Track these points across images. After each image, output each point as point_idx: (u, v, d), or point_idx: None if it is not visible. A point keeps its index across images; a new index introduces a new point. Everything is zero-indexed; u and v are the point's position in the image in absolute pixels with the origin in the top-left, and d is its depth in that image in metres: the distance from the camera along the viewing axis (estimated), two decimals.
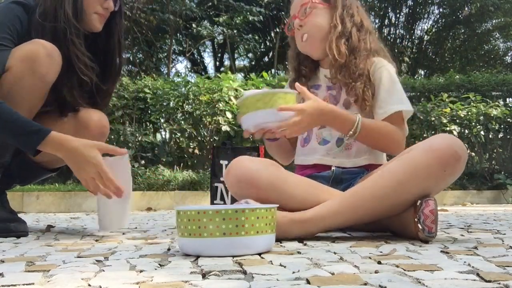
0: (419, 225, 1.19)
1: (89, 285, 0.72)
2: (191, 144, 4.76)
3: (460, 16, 9.56)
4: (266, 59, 10.76)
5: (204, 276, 0.78)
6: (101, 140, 1.64)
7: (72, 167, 1.40)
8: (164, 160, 4.70)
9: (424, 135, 4.95)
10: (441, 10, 9.77)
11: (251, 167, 1.35)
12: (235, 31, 7.74)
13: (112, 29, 1.67)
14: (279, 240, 1.23)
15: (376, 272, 0.78)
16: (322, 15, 1.60)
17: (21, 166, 1.69)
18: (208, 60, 17.55)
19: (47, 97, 1.50)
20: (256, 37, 9.61)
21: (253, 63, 11.65)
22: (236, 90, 4.53)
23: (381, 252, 1.02)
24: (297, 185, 1.34)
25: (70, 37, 1.49)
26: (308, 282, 0.71)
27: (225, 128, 4.41)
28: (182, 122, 4.74)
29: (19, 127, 1.35)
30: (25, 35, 1.46)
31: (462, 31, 9.88)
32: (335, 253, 1.01)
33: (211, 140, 4.59)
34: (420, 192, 1.22)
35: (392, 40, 9.87)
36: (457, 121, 4.84)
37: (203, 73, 9.46)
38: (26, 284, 0.73)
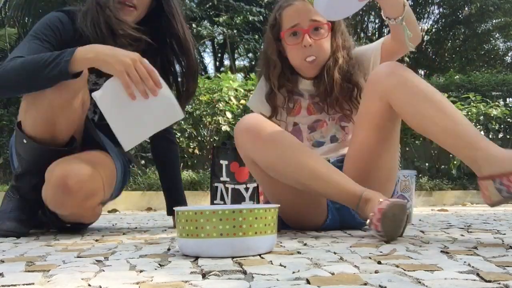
0: (370, 220, 1.23)
1: (89, 285, 0.72)
2: (191, 144, 4.76)
3: (460, 16, 9.56)
4: None
5: (204, 276, 0.78)
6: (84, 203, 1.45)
7: (108, 61, 1.34)
8: None
9: None
10: (441, 10, 9.77)
11: (260, 118, 1.41)
12: (235, 31, 7.74)
13: (169, 31, 1.65)
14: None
15: (376, 272, 0.78)
16: (327, 40, 1.63)
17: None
18: (208, 60, 17.53)
19: None
20: (256, 37, 9.61)
21: (253, 63, 11.63)
22: (236, 90, 4.53)
23: (381, 252, 1.02)
24: (297, 149, 1.36)
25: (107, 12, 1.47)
26: (308, 282, 0.71)
27: (225, 128, 4.41)
28: (182, 122, 4.75)
29: (45, 59, 1.34)
30: (71, 32, 1.50)
31: (462, 31, 9.88)
32: (335, 253, 1.01)
33: (211, 140, 4.59)
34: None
35: None
36: None
37: (203, 73, 9.46)
38: (26, 284, 0.73)
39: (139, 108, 1.37)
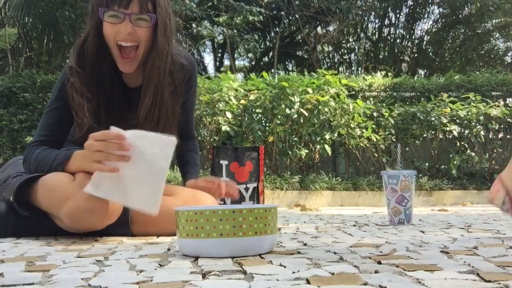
0: None
1: (89, 285, 0.72)
2: None
3: (460, 16, 9.55)
4: (266, 59, 10.75)
5: (204, 276, 0.78)
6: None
7: (86, 167, 1.37)
8: None
9: (424, 135, 4.95)
10: (441, 10, 9.76)
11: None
12: (235, 31, 7.73)
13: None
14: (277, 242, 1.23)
15: (376, 272, 0.78)
16: None
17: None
18: (208, 60, 17.54)
19: None
20: (256, 37, 9.59)
21: (253, 63, 11.64)
22: (236, 90, 4.52)
23: (381, 252, 1.02)
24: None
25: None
26: (308, 282, 0.71)
27: (225, 128, 4.41)
28: None
29: (48, 164, 1.47)
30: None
31: (462, 31, 9.87)
32: (335, 253, 1.01)
33: (211, 140, 4.59)
34: None
35: (392, 40, 9.86)
36: (457, 121, 4.84)
37: (203, 73, 9.46)
38: (26, 284, 0.73)
39: (132, 173, 1.30)
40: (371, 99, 5.35)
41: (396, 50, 9.66)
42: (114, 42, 1.42)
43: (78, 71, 1.46)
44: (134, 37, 1.42)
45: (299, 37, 9.78)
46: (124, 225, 1.48)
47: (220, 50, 10.63)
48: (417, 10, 9.68)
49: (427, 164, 4.99)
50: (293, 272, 0.79)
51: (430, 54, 10.13)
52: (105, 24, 1.42)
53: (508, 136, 5.26)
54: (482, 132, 4.88)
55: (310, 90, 4.37)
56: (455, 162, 4.81)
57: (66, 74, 1.50)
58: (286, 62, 10.64)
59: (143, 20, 1.42)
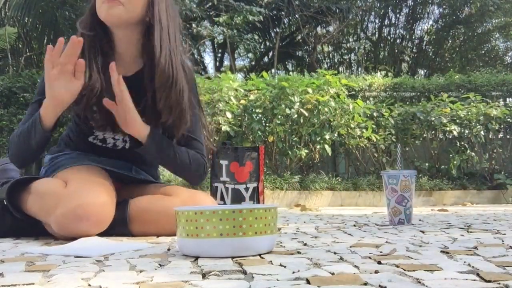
0: None
1: (89, 285, 0.72)
2: None
3: (460, 16, 9.56)
4: (266, 59, 10.75)
5: (204, 276, 0.78)
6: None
7: (50, 94, 1.38)
8: None
9: (424, 135, 4.95)
10: (441, 10, 9.76)
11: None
12: (235, 31, 7.73)
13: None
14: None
15: (376, 272, 0.78)
16: None
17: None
18: (208, 60, 17.54)
19: None
20: (256, 37, 9.60)
21: (253, 63, 11.64)
22: (236, 90, 4.53)
23: (381, 252, 1.02)
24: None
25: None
26: (308, 282, 0.71)
27: (225, 128, 4.41)
28: None
29: (28, 129, 1.45)
30: None
31: (462, 31, 9.87)
32: (335, 253, 1.01)
33: (211, 140, 4.60)
34: None
35: (392, 40, 9.86)
36: (457, 121, 4.84)
37: (203, 73, 9.46)
38: (26, 284, 0.73)
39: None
40: (371, 99, 5.35)
41: (396, 50, 9.66)
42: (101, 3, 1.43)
43: None
44: None
45: (299, 37, 9.79)
46: (123, 224, 1.47)
47: (220, 50, 10.64)
48: (417, 10, 9.69)
49: (427, 164, 4.99)
50: (293, 272, 0.79)
51: (430, 54, 10.13)
52: None
53: (508, 136, 5.27)
54: (482, 132, 4.88)
55: (310, 90, 4.37)
56: (455, 162, 4.81)
57: None
58: (286, 62, 10.65)
59: None
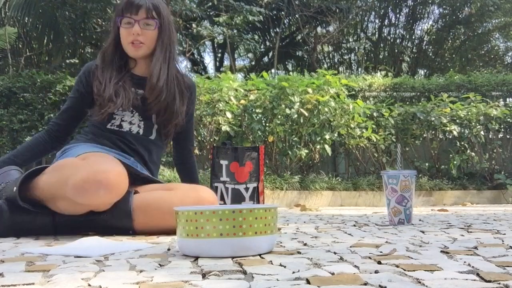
0: None
1: (89, 285, 0.72)
2: None
3: (460, 16, 9.55)
4: (266, 59, 10.76)
5: (204, 276, 0.78)
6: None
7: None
8: (164, 160, 4.70)
9: (424, 135, 4.95)
10: (441, 10, 9.76)
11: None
12: (235, 31, 7.73)
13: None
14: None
15: (376, 272, 0.78)
16: None
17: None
18: (208, 60, 17.55)
19: None
20: (256, 37, 9.60)
21: (253, 63, 11.64)
22: (236, 90, 4.53)
23: (381, 252, 1.02)
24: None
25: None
26: (308, 282, 0.71)
27: (225, 128, 4.41)
28: None
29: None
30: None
31: (462, 31, 9.87)
32: (335, 253, 1.01)
33: (211, 140, 4.59)
34: None
35: (392, 40, 9.86)
36: (457, 121, 4.84)
37: (203, 73, 9.46)
38: (26, 284, 0.73)
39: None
40: (371, 99, 5.35)
41: (396, 50, 9.66)
42: (128, 41, 1.76)
43: (99, 66, 1.81)
44: (142, 37, 1.76)
45: (299, 37, 9.78)
46: (126, 215, 1.49)
47: (220, 50, 10.64)
48: (417, 10, 9.68)
49: (427, 164, 4.99)
50: (293, 272, 0.79)
51: (430, 54, 10.13)
52: (121, 29, 1.76)
53: (508, 136, 5.27)
54: (482, 132, 4.88)
55: (310, 90, 4.37)
56: (455, 162, 4.81)
57: (86, 69, 1.83)
58: (286, 62, 10.64)
59: (149, 25, 1.76)
